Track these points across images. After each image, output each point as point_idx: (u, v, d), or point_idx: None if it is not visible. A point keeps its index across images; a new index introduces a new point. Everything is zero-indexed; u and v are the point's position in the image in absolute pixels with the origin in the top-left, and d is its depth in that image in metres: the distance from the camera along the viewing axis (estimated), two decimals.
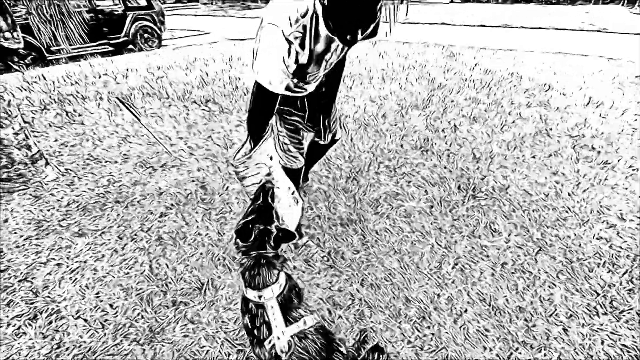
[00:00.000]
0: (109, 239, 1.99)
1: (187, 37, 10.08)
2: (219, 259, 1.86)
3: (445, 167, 2.79)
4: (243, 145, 1.33)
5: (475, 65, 5.77)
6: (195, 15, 16.67)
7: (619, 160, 2.89)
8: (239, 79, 5.02)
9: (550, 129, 3.47)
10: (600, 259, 1.87)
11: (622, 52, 7.26)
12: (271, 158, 1.34)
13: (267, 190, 1.19)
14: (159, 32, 8.12)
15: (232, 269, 1.80)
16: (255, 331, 1.02)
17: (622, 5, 17.60)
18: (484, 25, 11.64)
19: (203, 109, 3.95)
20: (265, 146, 1.31)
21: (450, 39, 8.67)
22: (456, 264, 1.84)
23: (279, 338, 0.99)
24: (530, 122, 3.64)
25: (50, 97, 4.30)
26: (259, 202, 1.15)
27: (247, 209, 1.16)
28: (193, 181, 2.55)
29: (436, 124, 3.59)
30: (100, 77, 5.18)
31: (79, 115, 3.80)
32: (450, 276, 1.78)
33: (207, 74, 5.23)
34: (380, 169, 2.77)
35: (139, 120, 2.85)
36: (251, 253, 1.07)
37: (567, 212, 2.27)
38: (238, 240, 1.08)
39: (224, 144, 3.13)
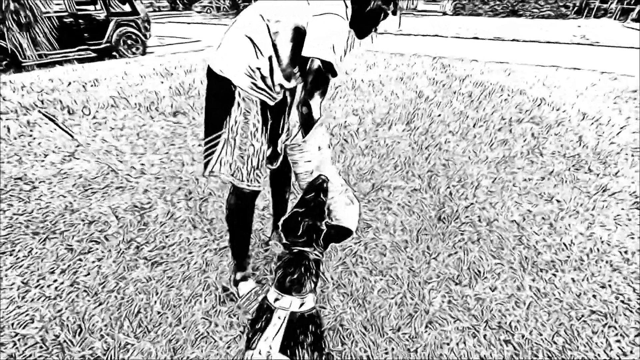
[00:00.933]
0: (11, 284, 1.61)
1: (175, 45, 9.79)
2: (139, 312, 1.49)
3: (426, 192, 2.45)
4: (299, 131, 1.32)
5: (466, 77, 5.49)
6: (189, 23, 16.44)
7: (620, 187, 2.57)
8: None
9: (544, 147, 3.15)
10: (605, 318, 1.52)
11: (615, 65, 7.03)
12: (319, 149, 1.28)
13: (320, 185, 1.13)
14: (143, 38, 7.81)
15: (151, 332, 1.43)
16: (250, 334, 0.94)
17: (615, 19, 17.60)
18: (476, 38, 11.46)
19: (169, 122, 3.60)
20: (316, 134, 1.25)
21: (442, 50, 8.44)
22: (430, 322, 1.48)
23: (260, 353, 0.86)
24: (521, 139, 3.32)
25: (6, 106, 3.94)
26: (311, 195, 1.08)
27: (297, 202, 1.09)
28: (135, 207, 2.19)
29: (420, 140, 3.26)
30: (69, 84, 4.82)
31: (34, 124, 3.44)
32: (422, 339, 1.42)
33: (182, 84, 4.89)
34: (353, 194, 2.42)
35: (67, 132, 2.49)
36: (294, 249, 1.00)
37: (563, 249, 1.93)
38: (282, 232, 1.02)
39: (184, 162, 2.78)
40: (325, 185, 1.16)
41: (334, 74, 1.16)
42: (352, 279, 1.70)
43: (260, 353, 0.86)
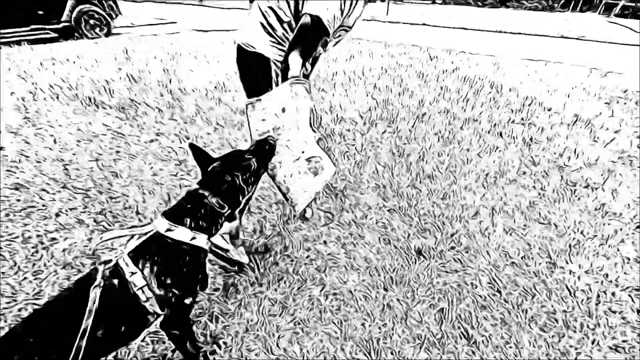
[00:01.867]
0: None
1: (148, 26, 8.93)
2: None
3: (405, 214, 2.05)
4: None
5: (454, 70, 5.06)
6: (168, 3, 15.29)
7: (621, 205, 2.23)
8: (181, 81, 4.11)
9: (536, 156, 2.79)
10: None
11: (603, 61, 6.74)
12: (283, 110, 1.25)
13: (266, 144, 1.14)
14: (107, 18, 7.00)
15: None
16: None
17: (599, 13, 17.40)
18: (464, 29, 11.00)
19: (108, 115, 3.04)
20: (280, 94, 1.23)
21: (430, 40, 7.96)
22: None
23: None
24: (512, 146, 2.94)
25: None
26: (252, 149, 1.12)
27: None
28: (38, 237, 1.70)
29: (402, 145, 2.84)
30: (9, 70, 4.14)
31: None
32: None
33: (142, 71, 4.28)
34: (320, 217, 1.99)
35: None
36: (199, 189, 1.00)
37: (564, 300, 1.56)
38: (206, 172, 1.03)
39: (113, 174, 2.26)
40: (266, 146, 1.15)
41: (325, 32, 1.17)
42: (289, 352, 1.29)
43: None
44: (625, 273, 1.71)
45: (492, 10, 17.39)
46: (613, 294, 1.58)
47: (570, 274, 1.69)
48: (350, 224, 1.94)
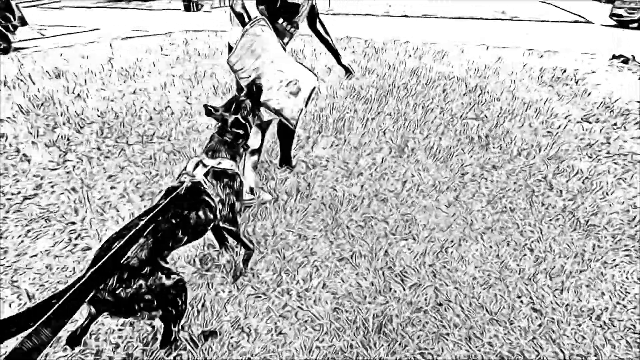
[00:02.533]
0: None
1: (60, 37, 7.73)
2: None
3: (358, 262, 1.65)
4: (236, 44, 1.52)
5: (400, 64, 4.78)
6: (89, 8, 13.63)
7: (589, 211, 2.02)
8: (79, 101, 3.36)
9: (496, 161, 2.53)
10: None
11: (538, 41, 6.86)
12: (253, 52, 1.49)
13: (251, 90, 1.37)
14: (3, 30, 5.86)
15: None
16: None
17: None
18: (406, 16, 10.90)
19: None
20: (244, 40, 1.47)
21: (373, 31, 7.68)
22: None
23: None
24: (469, 147, 2.67)
25: None
26: (245, 93, 1.39)
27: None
28: None
29: (351, 163, 2.45)
30: None
31: None
32: None
33: (38, 92, 3.47)
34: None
35: None
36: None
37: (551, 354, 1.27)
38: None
39: None
40: (253, 88, 1.38)
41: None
42: None
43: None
44: (611, 301, 1.45)
45: None
46: (601, 339, 1.31)
47: (552, 322, 1.39)
48: (282, 292, 1.51)
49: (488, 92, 3.78)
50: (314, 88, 1.62)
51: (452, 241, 1.75)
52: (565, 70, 4.67)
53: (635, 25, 8.95)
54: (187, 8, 11.49)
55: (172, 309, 1.02)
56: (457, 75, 4.33)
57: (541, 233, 1.83)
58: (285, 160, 2.26)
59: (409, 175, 2.30)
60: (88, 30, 8.50)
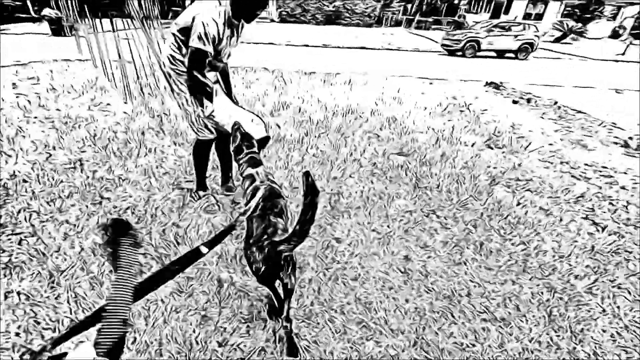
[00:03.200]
0: None
1: None
2: None
3: None
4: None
5: (303, 101, 4.55)
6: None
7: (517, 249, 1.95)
8: None
9: (433, 204, 2.37)
10: None
11: (423, 70, 7.68)
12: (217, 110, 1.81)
13: (238, 127, 1.62)
14: None
15: None
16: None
17: (403, 27, 21.12)
18: (307, 45, 11.18)
19: None
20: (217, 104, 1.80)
21: (277, 60, 7.50)
22: None
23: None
24: (403, 191, 2.47)
25: None
26: (237, 133, 1.60)
27: (235, 142, 1.60)
28: None
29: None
30: None
31: None
32: None
33: None
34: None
35: None
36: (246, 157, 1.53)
37: None
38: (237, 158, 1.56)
39: None
40: (240, 124, 1.65)
41: (207, 55, 1.64)
42: None
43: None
44: None
45: (325, 27, 18.83)
46: None
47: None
48: None
49: (401, 124, 3.81)
50: (267, 138, 1.79)
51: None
52: (455, 97, 5.17)
53: (460, 53, 11.02)
54: (56, 32, 9.50)
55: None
56: (370, 107, 4.33)
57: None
58: (226, 180, 2.33)
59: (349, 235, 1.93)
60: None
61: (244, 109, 1.83)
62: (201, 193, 2.23)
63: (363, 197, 2.35)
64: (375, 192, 2.42)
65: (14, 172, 2.36)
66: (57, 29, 9.47)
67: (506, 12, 22.57)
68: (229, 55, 1.90)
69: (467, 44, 10.96)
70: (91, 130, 3.07)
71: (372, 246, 1.89)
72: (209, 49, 1.61)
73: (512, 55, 11.53)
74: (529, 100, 5.27)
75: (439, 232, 2.05)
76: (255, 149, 1.56)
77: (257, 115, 1.80)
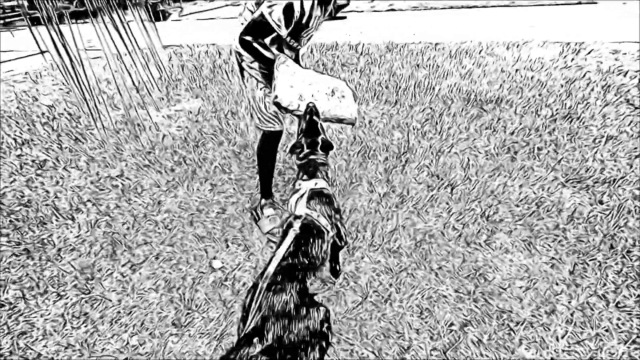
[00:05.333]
0: None
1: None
2: None
3: None
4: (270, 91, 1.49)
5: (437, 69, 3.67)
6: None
7: None
8: None
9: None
10: None
11: (551, 31, 5.83)
12: (292, 86, 1.42)
13: (310, 111, 1.34)
14: None
15: None
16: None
17: None
18: (392, 10, 9.76)
19: None
20: (281, 78, 1.40)
21: (361, 32, 6.54)
22: None
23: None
24: None
25: None
26: (306, 120, 1.34)
27: (298, 130, 1.39)
28: None
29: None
30: None
31: None
32: None
33: None
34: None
35: None
36: (303, 159, 1.31)
37: None
38: (293, 155, 1.36)
39: None
40: (314, 108, 1.35)
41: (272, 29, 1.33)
42: None
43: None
44: None
45: None
46: None
47: None
48: None
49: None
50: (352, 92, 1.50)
51: None
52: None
53: None
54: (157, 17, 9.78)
55: (324, 340, 0.95)
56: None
57: None
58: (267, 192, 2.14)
59: None
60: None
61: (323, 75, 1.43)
62: (265, 212, 1.90)
63: None
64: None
65: None
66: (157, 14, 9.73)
67: None
68: (310, 37, 1.55)
69: None
70: None
71: None
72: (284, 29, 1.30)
73: None
74: None
75: None
76: (318, 148, 1.27)
77: (341, 84, 1.40)
